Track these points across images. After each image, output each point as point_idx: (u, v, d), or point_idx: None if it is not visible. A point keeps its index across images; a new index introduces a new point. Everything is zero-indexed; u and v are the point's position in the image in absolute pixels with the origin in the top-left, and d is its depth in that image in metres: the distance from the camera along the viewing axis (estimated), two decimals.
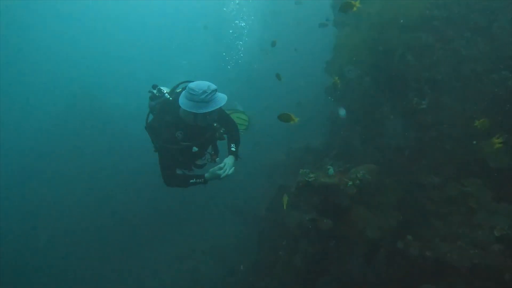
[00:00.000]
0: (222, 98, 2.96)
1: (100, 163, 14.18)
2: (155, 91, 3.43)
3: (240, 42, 13.86)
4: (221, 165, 3.10)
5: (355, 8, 3.26)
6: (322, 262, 4.66)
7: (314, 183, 3.50)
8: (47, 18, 19.57)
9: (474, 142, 3.83)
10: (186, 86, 3.03)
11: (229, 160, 3.20)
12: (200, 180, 3.13)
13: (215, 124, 3.35)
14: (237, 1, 13.90)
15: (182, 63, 18.94)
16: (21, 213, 12.50)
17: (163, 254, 10.45)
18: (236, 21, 14.87)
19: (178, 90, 3.43)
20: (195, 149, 3.23)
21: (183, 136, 3.11)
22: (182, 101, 2.92)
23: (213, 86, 2.92)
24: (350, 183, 3.46)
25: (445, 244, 3.70)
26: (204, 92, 2.85)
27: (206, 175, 3.13)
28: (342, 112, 4.55)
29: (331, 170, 3.60)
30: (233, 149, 3.41)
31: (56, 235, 11.76)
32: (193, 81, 3.07)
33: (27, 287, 9.63)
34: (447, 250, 3.63)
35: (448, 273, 3.64)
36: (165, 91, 3.43)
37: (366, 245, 4.11)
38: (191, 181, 3.13)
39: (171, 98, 3.34)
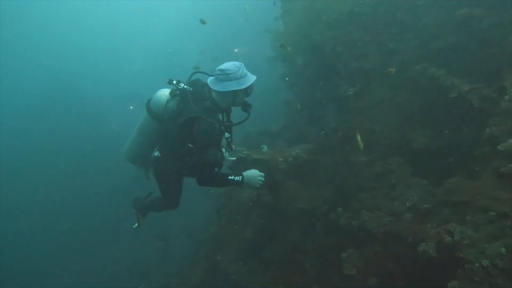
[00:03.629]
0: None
1: (77, 147, 14.38)
2: (172, 87, 3.12)
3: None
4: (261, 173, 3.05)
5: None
6: (268, 232, 5.16)
7: (247, 159, 3.93)
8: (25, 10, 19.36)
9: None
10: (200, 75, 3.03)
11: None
12: (238, 178, 2.98)
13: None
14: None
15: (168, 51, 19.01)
16: None
17: (138, 234, 10.89)
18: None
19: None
20: (227, 135, 3.11)
21: (223, 120, 3.00)
22: (220, 85, 2.82)
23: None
24: (281, 159, 3.91)
25: (367, 214, 4.23)
26: (239, 68, 2.83)
27: (245, 173, 3.04)
28: None
29: (265, 148, 4.04)
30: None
31: (33, 218, 12.06)
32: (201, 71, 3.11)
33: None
34: (367, 219, 4.16)
35: (368, 238, 4.19)
36: (183, 85, 3.10)
37: (302, 216, 4.61)
38: (230, 177, 2.96)
39: (192, 89, 3.05)
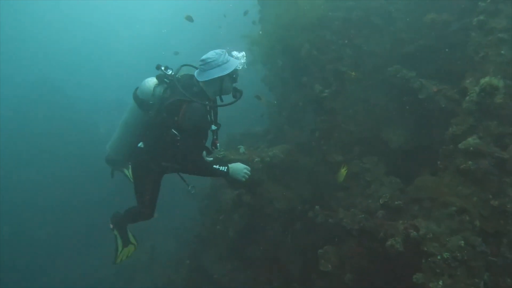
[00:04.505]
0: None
1: (65, 150, 14.27)
2: (160, 72, 3.03)
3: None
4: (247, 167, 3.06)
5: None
6: (249, 232, 5.27)
7: (224, 159, 4.04)
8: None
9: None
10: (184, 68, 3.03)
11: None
12: (223, 168, 2.96)
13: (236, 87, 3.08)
14: None
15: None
16: None
17: None
18: None
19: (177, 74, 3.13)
20: (213, 127, 3.07)
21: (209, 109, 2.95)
22: (204, 75, 2.83)
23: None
24: (257, 159, 4.02)
25: (343, 211, 4.36)
26: (220, 54, 2.84)
27: (231, 165, 3.03)
28: None
29: (242, 149, 4.15)
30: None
31: (19, 222, 11.92)
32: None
33: None
34: (343, 216, 4.29)
35: (343, 235, 4.32)
36: (171, 71, 3.06)
37: (282, 215, 4.73)
38: (215, 166, 2.94)
39: (179, 77, 3.03)
